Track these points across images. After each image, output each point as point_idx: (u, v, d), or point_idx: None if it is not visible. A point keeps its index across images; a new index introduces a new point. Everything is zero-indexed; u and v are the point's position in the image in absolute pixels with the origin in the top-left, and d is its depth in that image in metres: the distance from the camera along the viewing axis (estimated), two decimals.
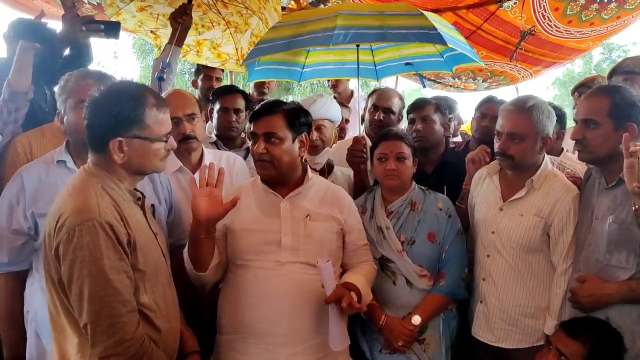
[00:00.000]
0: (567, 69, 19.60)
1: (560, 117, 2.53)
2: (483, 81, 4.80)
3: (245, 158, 2.53)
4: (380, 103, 2.80)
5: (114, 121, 1.42)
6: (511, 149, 2.01)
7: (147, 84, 1.67)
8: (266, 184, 1.85)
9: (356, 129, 2.83)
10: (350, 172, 2.44)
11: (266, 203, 1.83)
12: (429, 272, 2.05)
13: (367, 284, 1.84)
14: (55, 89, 1.90)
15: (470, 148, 2.71)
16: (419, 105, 2.66)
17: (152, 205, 1.88)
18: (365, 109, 3.02)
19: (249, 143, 2.63)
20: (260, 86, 3.80)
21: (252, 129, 1.84)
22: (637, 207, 1.64)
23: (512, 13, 3.59)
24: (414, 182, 2.16)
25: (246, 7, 3.10)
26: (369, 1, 3.67)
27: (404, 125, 3.01)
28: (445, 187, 2.36)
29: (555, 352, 1.76)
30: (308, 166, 1.95)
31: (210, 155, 2.25)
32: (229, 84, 3.90)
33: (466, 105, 11.52)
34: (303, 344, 1.73)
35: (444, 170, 2.58)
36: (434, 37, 2.05)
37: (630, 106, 1.78)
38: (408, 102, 2.87)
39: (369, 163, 2.31)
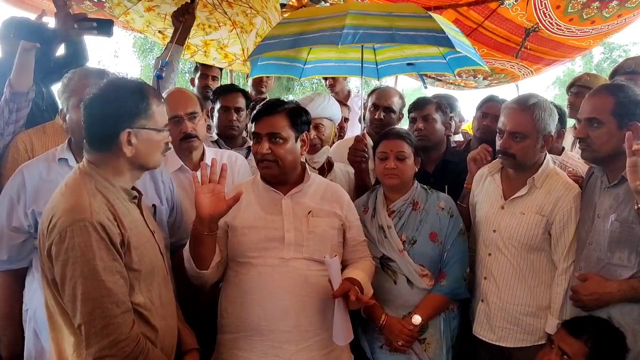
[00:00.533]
0: (568, 69, 19.54)
1: (561, 117, 2.52)
2: (484, 79, 4.80)
3: (246, 157, 2.52)
4: (381, 102, 2.79)
5: (122, 113, 1.42)
6: (513, 148, 2.00)
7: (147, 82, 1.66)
8: (266, 182, 1.84)
9: (355, 128, 2.82)
10: (349, 168, 2.44)
11: (267, 200, 1.83)
12: (430, 272, 2.04)
13: (368, 279, 1.85)
14: (55, 87, 1.90)
15: (472, 147, 2.71)
16: (420, 104, 2.66)
17: (154, 206, 1.87)
18: (365, 107, 3.02)
19: (250, 142, 2.63)
20: (258, 85, 3.78)
21: (254, 129, 1.83)
22: (639, 205, 1.64)
23: (513, 11, 3.58)
24: (416, 182, 2.15)
25: (250, 7, 3.10)
26: (375, 0, 3.65)
27: (404, 124, 3.00)
28: (446, 186, 2.36)
29: (557, 351, 1.77)
30: (307, 165, 1.94)
31: (212, 154, 2.25)
32: (229, 82, 3.89)
33: (467, 103, 11.49)
34: (309, 340, 1.73)
35: (446, 170, 2.58)
36: (443, 40, 2.03)
37: (634, 105, 1.78)
38: (408, 101, 2.87)
39: (370, 162, 2.31)
